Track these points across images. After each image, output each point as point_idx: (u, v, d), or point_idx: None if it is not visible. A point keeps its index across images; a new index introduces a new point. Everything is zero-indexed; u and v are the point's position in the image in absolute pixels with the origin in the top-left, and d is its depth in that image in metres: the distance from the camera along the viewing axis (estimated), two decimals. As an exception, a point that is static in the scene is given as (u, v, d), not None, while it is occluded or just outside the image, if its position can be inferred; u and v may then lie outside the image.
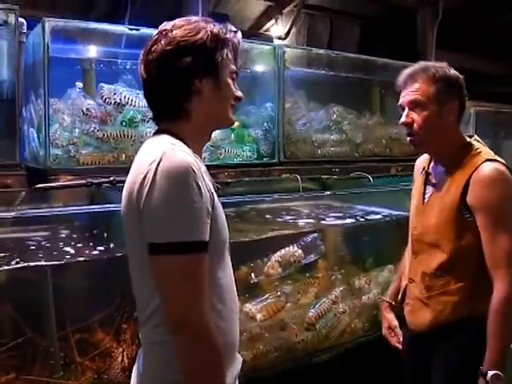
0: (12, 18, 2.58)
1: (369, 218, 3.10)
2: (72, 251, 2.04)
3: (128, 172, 1.39)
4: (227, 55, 1.46)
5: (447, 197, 1.90)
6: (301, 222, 2.81)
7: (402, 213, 2.99)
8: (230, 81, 1.48)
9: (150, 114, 3.15)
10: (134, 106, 2.89)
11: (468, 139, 1.98)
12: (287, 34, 6.51)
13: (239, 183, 3.24)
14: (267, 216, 2.74)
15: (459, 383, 1.94)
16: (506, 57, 7.68)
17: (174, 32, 1.42)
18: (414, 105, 1.91)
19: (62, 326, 2.03)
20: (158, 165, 1.28)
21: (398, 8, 6.10)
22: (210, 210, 1.34)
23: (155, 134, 1.48)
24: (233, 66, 1.48)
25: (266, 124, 3.60)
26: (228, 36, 1.47)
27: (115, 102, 2.83)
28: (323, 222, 2.90)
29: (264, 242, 2.61)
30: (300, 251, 2.60)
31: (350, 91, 4.15)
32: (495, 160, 1.87)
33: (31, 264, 1.90)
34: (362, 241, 3.11)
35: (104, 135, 2.79)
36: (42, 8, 4.96)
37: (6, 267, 1.86)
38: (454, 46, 6.66)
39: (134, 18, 5.25)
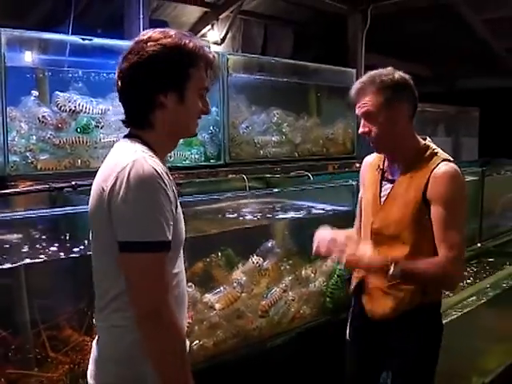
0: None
1: (312, 212, 3.33)
2: (43, 252, 2.14)
3: (88, 176, 1.50)
4: (199, 71, 1.50)
5: (410, 193, 2.06)
6: (251, 218, 3.00)
7: (341, 207, 3.25)
8: (196, 97, 1.51)
9: (103, 121, 3.25)
10: (88, 112, 3.00)
11: (423, 141, 2.15)
12: (223, 39, 6.69)
13: (190, 184, 3.41)
14: (221, 213, 2.91)
15: (417, 363, 2.14)
16: (427, 60, 8.25)
17: (149, 44, 1.45)
18: (367, 115, 2.06)
19: (35, 324, 2.12)
20: (129, 171, 1.37)
21: (329, 14, 6.40)
22: (175, 212, 1.47)
23: (126, 137, 1.55)
24: (204, 83, 1.53)
25: (211, 128, 3.75)
26: (202, 52, 1.51)
27: (70, 110, 2.93)
28: (272, 217, 3.11)
29: (218, 236, 2.80)
30: (259, 258, 2.85)
31: (289, 95, 4.38)
32: (449, 160, 2.07)
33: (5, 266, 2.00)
34: (306, 234, 3.31)
35: (60, 142, 2.89)
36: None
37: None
38: (384, 50, 7.06)
39: (74, 22, 5.26)
